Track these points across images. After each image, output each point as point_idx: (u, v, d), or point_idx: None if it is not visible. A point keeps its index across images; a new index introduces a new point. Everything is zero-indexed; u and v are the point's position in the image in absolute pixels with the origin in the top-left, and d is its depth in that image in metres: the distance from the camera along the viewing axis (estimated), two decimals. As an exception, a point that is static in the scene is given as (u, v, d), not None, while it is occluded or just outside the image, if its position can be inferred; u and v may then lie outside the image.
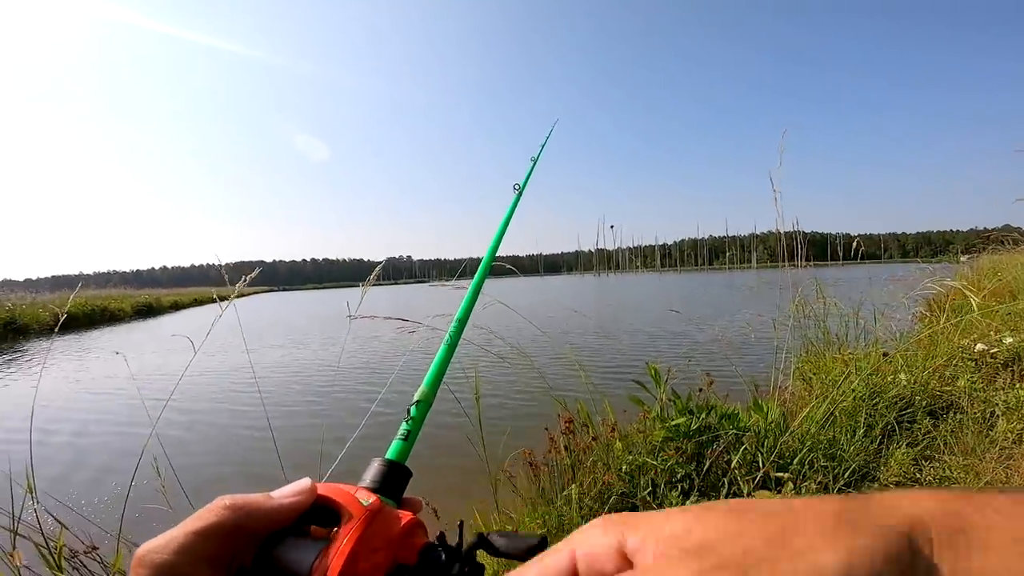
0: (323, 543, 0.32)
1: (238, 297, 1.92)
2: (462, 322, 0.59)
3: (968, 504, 0.21)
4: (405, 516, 0.38)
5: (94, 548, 1.43)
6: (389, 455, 0.45)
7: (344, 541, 0.32)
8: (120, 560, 1.40)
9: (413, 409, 0.49)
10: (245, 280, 1.91)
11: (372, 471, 0.43)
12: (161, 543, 0.30)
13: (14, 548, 1.32)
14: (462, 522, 0.40)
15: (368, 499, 0.36)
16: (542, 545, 0.39)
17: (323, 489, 0.36)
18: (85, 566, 1.42)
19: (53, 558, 1.34)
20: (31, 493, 1.49)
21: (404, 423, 0.48)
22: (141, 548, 0.30)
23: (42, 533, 1.38)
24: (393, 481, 0.42)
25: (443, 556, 0.36)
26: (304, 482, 0.36)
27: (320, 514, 0.35)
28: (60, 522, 1.47)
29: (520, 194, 0.92)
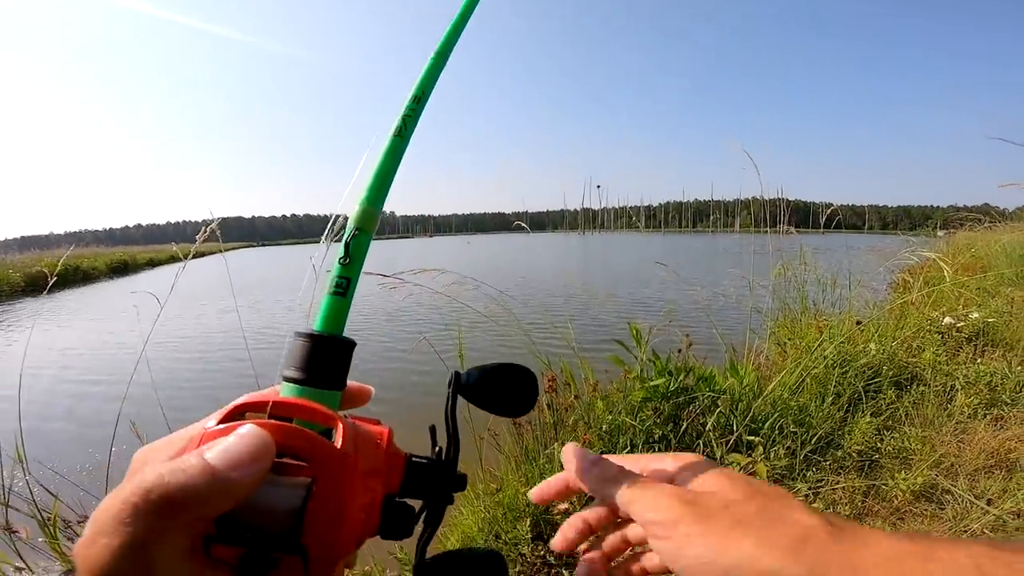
0: (301, 486, 0.26)
1: (222, 252, 1.89)
2: (420, 100, 0.37)
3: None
4: (381, 432, 0.31)
5: (87, 517, 1.44)
6: (320, 324, 0.31)
7: (332, 486, 0.26)
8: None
9: (351, 244, 0.33)
10: (206, 230, 1.86)
11: (298, 354, 0.30)
12: (115, 561, 0.21)
13: (7, 520, 1.33)
14: (433, 427, 0.33)
15: (335, 429, 0.28)
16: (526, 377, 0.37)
17: (274, 433, 0.26)
18: (78, 535, 1.43)
19: (49, 529, 1.35)
20: (22, 463, 1.49)
21: (338, 266, 0.32)
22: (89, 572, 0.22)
23: (35, 503, 1.39)
24: (334, 365, 0.31)
25: (426, 471, 0.32)
26: (254, 438, 0.25)
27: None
28: (53, 494, 1.48)
29: None
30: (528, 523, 1.88)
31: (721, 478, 0.33)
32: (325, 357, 0.30)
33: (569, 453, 0.40)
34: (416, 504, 0.32)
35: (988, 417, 2.64)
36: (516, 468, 2.13)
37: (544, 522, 1.92)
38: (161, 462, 0.25)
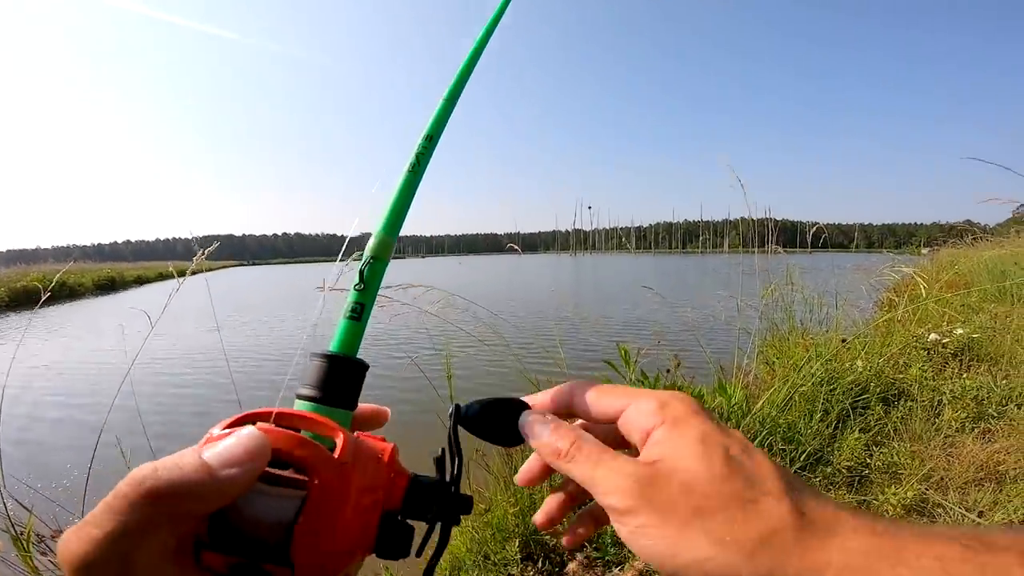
0: (295, 498, 0.26)
1: (206, 271, 1.89)
2: (432, 139, 0.39)
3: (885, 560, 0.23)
4: (384, 448, 0.31)
5: (60, 532, 1.41)
6: (336, 346, 0.33)
7: (326, 501, 0.26)
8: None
9: (366, 271, 0.35)
10: (203, 254, 1.87)
11: (314, 373, 0.31)
12: (97, 552, 0.22)
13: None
14: (442, 450, 0.34)
15: (336, 440, 0.28)
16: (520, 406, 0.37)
17: (274, 438, 0.27)
18: (51, 550, 1.39)
19: (22, 543, 1.32)
20: (-2, 476, 1.46)
21: (353, 292, 0.34)
22: (74, 569, 0.22)
23: (8, 518, 1.36)
24: (345, 385, 0.32)
25: (430, 491, 0.32)
26: (251, 438, 0.26)
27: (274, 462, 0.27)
28: (27, 508, 1.45)
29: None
30: (517, 544, 1.85)
31: (694, 445, 0.28)
32: (336, 377, 0.32)
33: (524, 423, 0.36)
34: (417, 525, 0.32)
35: (976, 430, 2.66)
36: (505, 488, 2.10)
37: (534, 543, 1.90)
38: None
